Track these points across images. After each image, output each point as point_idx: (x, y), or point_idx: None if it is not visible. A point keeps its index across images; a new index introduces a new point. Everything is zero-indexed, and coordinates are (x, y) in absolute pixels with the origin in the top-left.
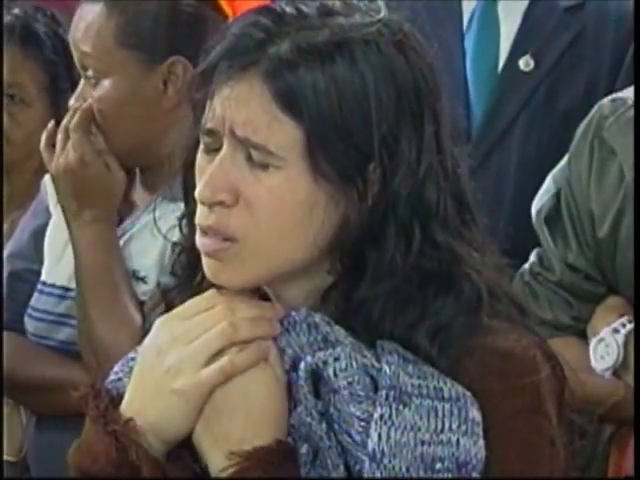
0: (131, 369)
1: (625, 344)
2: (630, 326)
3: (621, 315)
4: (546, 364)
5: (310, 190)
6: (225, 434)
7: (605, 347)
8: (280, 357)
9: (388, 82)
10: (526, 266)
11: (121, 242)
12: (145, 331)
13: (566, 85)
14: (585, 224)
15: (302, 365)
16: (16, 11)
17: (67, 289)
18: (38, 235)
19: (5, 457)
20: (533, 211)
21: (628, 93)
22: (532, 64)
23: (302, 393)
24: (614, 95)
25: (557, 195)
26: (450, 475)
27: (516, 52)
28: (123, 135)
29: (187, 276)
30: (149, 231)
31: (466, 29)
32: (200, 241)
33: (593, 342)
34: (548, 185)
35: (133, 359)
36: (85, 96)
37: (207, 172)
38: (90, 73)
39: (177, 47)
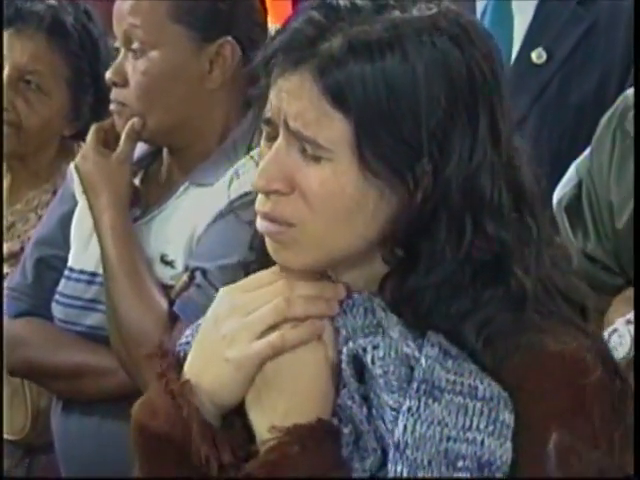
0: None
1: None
2: None
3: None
4: (597, 368)
5: (359, 184)
6: (272, 406)
7: (618, 338)
8: (335, 337)
9: (441, 77)
10: None
11: (147, 226)
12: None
13: (579, 78)
14: (604, 215)
15: (344, 350)
16: (49, 1)
17: (95, 274)
18: (65, 221)
19: (7, 436)
20: (554, 201)
21: None
22: (544, 57)
23: (346, 376)
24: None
25: (579, 185)
26: (470, 474)
27: (529, 44)
28: (162, 111)
29: (265, 251)
30: (176, 216)
31: (479, 19)
32: (259, 224)
33: (607, 332)
34: (570, 175)
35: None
36: (123, 69)
37: (262, 161)
38: (136, 45)
39: (227, 29)
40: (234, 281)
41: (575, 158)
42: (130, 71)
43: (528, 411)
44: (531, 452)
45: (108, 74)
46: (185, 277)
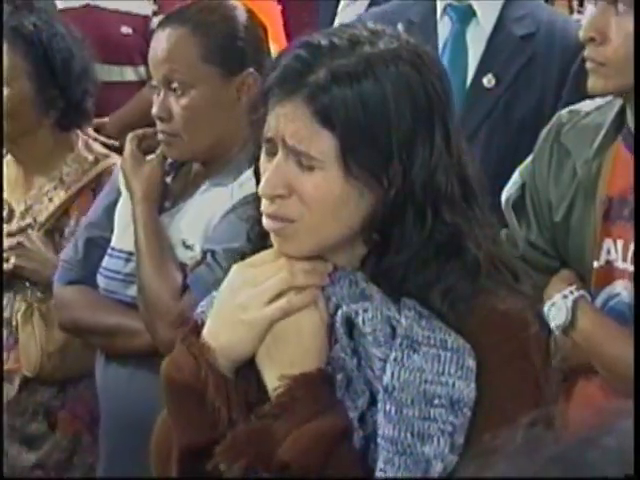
0: (212, 305)
1: (572, 308)
2: (577, 293)
3: (570, 284)
4: (535, 323)
5: (343, 186)
6: (280, 358)
7: (557, 310)
8: (326, 304)
9: (405, 96)
10: None
11: (174, 216)
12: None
13: (521, 99)
14: (544, 211)
15: (339, 312)
16: (9, 9)
17: (132, 253)
18: (110, 209)
19: (26, 372)
20: (502, 199)
21: (581, 106)
22: (494, 82)
23: (339, 334)
24: (571, 107)
25: (522, 187)
26: (444, 410)
27: (481, 72)
28: (203, 136)
29: (260, 242)
30: (197, 209)
31: (441, 52)
32: (266, 223)
33: (547, 305)
34: (515, 178)
35: (215, 297)
36: (167, 106)
37: (267, 172)
38: (175, 85)
39: (247, 62)
40: (235, 261)
41: (519, 164)
42: (174, 107)
43: (485, 359)
44: (489, 391)
45: (154, 111)
46: (198, 257)
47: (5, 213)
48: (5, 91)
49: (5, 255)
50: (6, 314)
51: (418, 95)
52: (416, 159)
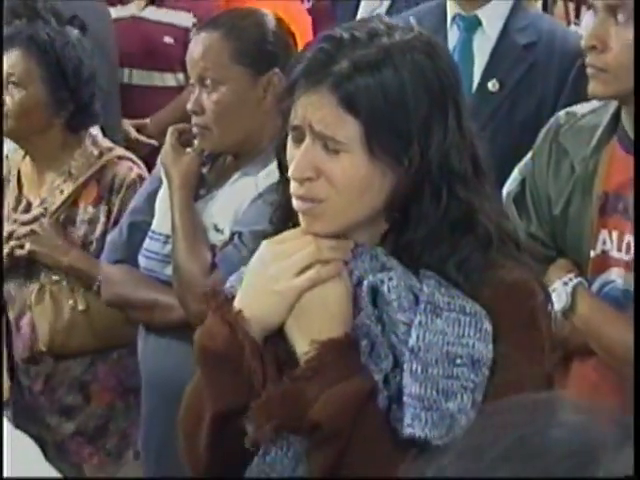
0: (241, 280)
1: (572, 293)
2: (576, 280)
3: (569, 272)
4: (541, 291)
5: (367, 168)
6: (308, 326)
7: (557, 295)
8: (349, 276)
9: (420, 83)
10: None
11: (207, 202)
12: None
13: (523, 102)
14: (543, 205)
15: (365, 282)
16: (27, 19)
17: (169, 236)
18: (151, 196)
19: (42, 347)
20: (504, 194)
21: (578, 108)
22: (498, 86)
23: (364, 303)
24: (567, 109)
25: (522, 182)
26: (466, 368)
27: (486, 77)
28: (232, 129)
29: (282, 225)
30: (228, 197)
31: None
32: (296, 204)
33: None
34: (515, 175)
35: (243, 272)
36: (200, 102)
37: (296, 157)
38: (208, 82)
39: (274, 63)
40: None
41: (520, 161)
42: (206, 102)
43: (497, 326)
44: (502, 355)
45: (189, 105)
46: (226, 240)
47: (22, 206)
48: (20, 93)
49: (21, 242)
50: (23, 295)
51: (432, 81)
52: (432, 141)
